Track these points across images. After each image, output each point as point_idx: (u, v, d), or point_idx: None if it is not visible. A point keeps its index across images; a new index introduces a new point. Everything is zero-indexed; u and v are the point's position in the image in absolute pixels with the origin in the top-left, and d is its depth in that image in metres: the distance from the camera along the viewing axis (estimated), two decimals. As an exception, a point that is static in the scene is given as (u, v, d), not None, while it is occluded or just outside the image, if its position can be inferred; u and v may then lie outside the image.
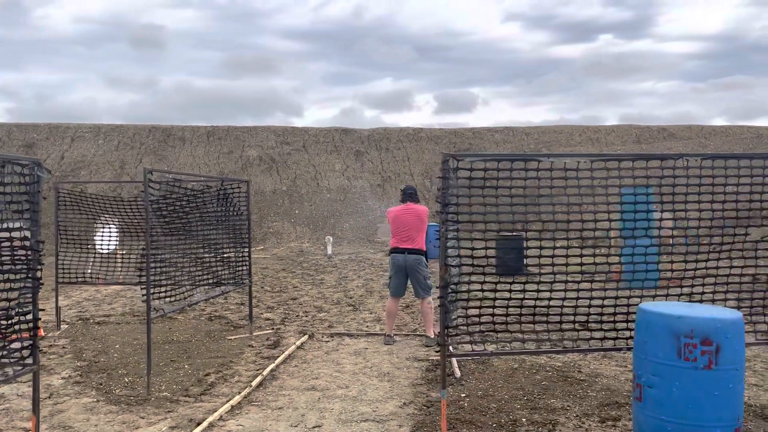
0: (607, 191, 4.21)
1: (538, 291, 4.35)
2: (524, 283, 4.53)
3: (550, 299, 4.35)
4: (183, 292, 6.11)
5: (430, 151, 28.29)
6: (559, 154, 4.05)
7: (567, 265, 4.27)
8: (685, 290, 4.59)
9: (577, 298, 4.34)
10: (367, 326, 8.00)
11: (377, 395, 5.11)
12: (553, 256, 4.29)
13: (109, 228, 9.19)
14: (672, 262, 4.61)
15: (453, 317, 4.15)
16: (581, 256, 4.43)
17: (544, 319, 4.32)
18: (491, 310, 4.36)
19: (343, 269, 14.52)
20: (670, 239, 5.31)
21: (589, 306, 4.36)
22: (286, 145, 27.56)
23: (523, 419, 4.47)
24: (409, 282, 7.02)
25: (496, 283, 4.32)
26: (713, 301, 4.55)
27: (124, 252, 9.47)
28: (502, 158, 4.06)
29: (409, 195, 7.07)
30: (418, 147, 28.32)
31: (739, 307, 4.30)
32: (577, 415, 4.56)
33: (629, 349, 4.15)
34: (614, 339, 4.31)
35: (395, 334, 7.29)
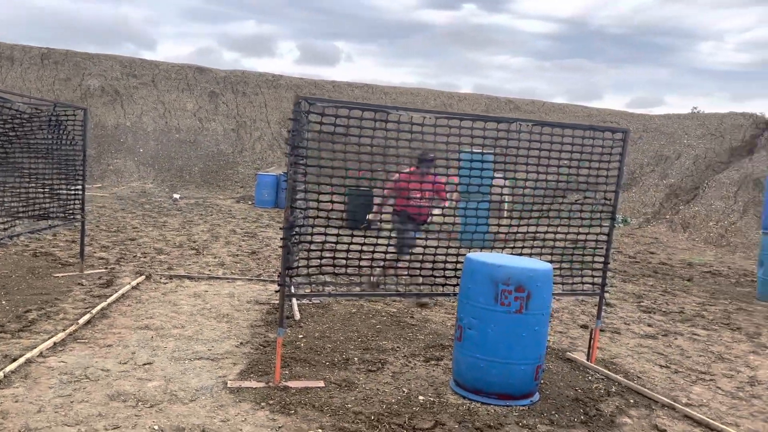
0: (447, 148, 4.46)
1: (377, 239, 4.55)
2: (364, 236, 4.71)
3: (387, 249, 4.57)
4: (1, 223, 5.59)
5: (289, 99, 27.79)
6: (407, 108, 4.20)
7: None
8: (513, 247, 5.03)
9: (406, 248, 4.59)
10: (210, 270, 7.86)
11: (214, 335, 5.09)
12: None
13: None
14: (499, 224, 5.02)
15: (295, 259, 4.22)
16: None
17: (381, 265, 4.53)
18: (332, 254, 4.49)
19: (189, 213, 14.01)
20: (503, 200, 5.76)
21: (423, 255, 4.64)
22: (133, 77, 25.59)
23: (355, 358, 4.70)
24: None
25: (337, 232, 4.43)
26: (531, 255, 5.03)
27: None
28: (353, 106, 4.13)
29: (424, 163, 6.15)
30: (277, 94, 27.68)
31: (551, 262, 4.79)
32: (405, 355, 4.88)
33: (455, 295, 4.49)
34: (443, 285, 4.64)
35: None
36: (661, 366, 5.25)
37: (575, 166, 4.85)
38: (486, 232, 4.98)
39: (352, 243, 4.34)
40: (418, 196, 6.05)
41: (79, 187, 6.99)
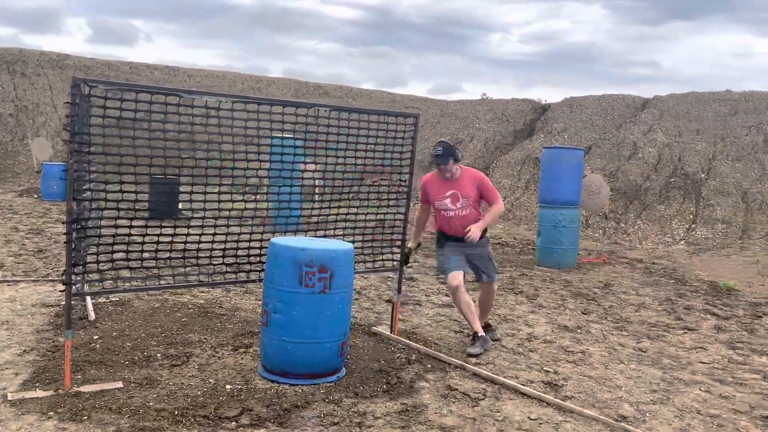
0: (245, 134, 4.41)
1: (174, 231, 4.37)
2: (160, 226, 4.49)
3: (186, 240, 4.42)
4: None
5: (79, 82, 25.34)
6: (201, 92, 4.08)
7: (219, 210, 4.38)
8: (325, 230, 5.14)
9: (213, 239, 4.50)
10: (-15, 273, 6.96)
11: (-10, 346, 4.54)
12: (205, 201, 4.37)
13: None
14: (302, 207, 5.10)
15: (83, 255, 3.91)
16: (232, 201, 4.58)
17: (180, 256, 4.38)
18: (126, 248, 4.23)
19: (-42, 210, 12.22)
20: (314, 185, 5.84)
21: (225, 242, 4.56)
22: None
23: (158, 354, 4.50)
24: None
25: (129, 223, 4.18)
26: (336, 237, 5.19)
27: None
28: (140, 89, 3.90)
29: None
30: (64, 76, 25.03)
31: (354, 242, 4.98)
32: (213, 346, 4.78)
33: (260, 280, 4.48)
34: (248, 272, 4.60)
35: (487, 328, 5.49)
36: (455, 332, 5.73)
37: (372, 150, 5.07)
38: (299, 216, 5.04)
39: (146, 234, 4.13)
40: (451, 207, 5.12)
41: None
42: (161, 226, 4.26)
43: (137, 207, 4.13)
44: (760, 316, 7.03)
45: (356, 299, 6.68)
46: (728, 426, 3.93)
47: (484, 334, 5.17)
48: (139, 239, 4.24)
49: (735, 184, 13.24)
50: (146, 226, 4.24)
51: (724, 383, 4.74)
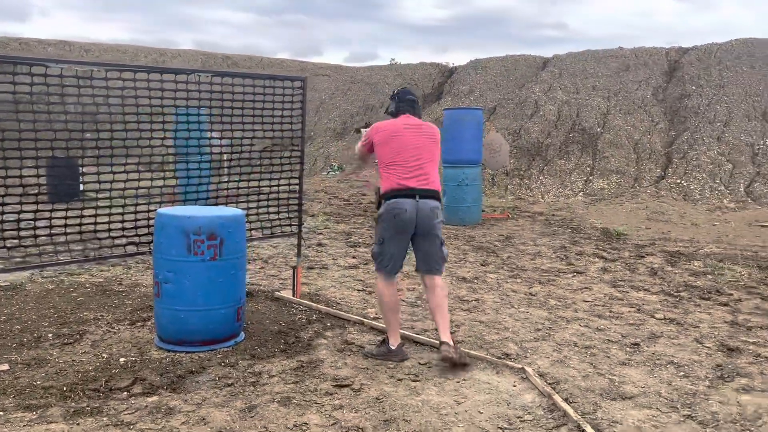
0: (123, 103, 4.31)
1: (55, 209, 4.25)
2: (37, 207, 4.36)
3: (80, 222, 4.31)
4: None
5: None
6: (70, 61, 3.94)
7: (110, 190, 4.28)
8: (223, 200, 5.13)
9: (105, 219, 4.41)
10: None
11: None
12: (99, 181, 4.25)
13: None
14: (220, 182, 5.05)
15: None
16: (126, 180, 4.48)
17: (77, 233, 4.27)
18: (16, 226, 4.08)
19: None
20: (221, 158, 5.78)
21: (123, 220, 4.48)
22: None
23: (50, 335, 4.40)
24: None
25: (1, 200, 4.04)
26: (236, 205, 5.19)
27: None
28: (1, 60, 3.73)
29: (409, 102, 4.23)
30: (-57, 55, 23.18)
31: (247, 209, 5.00)
32: (108, 323, 4.71)
33: (150, 252, 4.44)
34: (137, 244, 4.55)
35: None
36: (358, 291, 5.89)
37: (260, 116, 5.07)
38: (207, 190, 5.00)
39: (21, 212, 4.00)
40: (417, 162, 4.06)
41: None
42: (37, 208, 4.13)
43: (39, 191, 3.99)
44: (643, 257, 7.59)
45: (262, 268, 6.72)
46: (600, 354, 4.29)
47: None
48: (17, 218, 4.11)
49: (627, 136, 14.04)
50: (20, 203, 4.10)
51: (602, 318, 5.14)
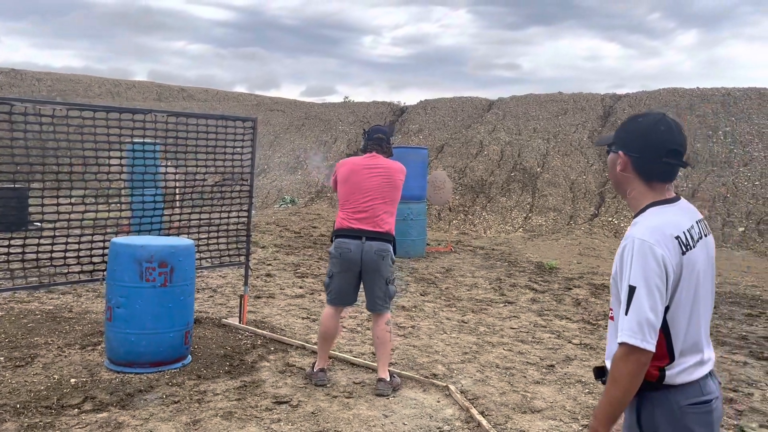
0: (68, 144, 4.62)
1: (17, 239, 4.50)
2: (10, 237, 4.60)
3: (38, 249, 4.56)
4: None
5: None
6: (33, 100, 4.25)
7: (68, 214, 4.55)
8: (183, 233, 5.43)
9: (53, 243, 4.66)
10: None
11: None
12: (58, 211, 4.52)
13: None
14: (173, 213, 5.37)
15: None
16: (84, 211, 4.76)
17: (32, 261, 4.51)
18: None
19: None
20: (175, 191, 6.10)
21: (66, 244, 4.74)
22: None
23: (1, 358, 4.59)
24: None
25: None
26: (182, 235, 5.50)
27: None
28: (-31, 100, 4.03)
29: (377, 141, 4.37)
30: None
31: (197, 239, 5.33)
32: (59, 347, 4.92)
33: (104, 279, 4.72)
34: (91, 272, 4.81)
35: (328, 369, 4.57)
36: (303, 318, 6.23)
37: (212, 152, 5.44)
38: (161, 220, 5.30)
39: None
40: (368, 204, 4.22)
41: None
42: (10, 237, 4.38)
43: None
44: (570, 288, 8.18)
45: (211, 296, 6.99)
46: (517, 374, 4.75)
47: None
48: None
49: (564, 176, 14.89)
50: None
51: (525, 342, 5.62)
